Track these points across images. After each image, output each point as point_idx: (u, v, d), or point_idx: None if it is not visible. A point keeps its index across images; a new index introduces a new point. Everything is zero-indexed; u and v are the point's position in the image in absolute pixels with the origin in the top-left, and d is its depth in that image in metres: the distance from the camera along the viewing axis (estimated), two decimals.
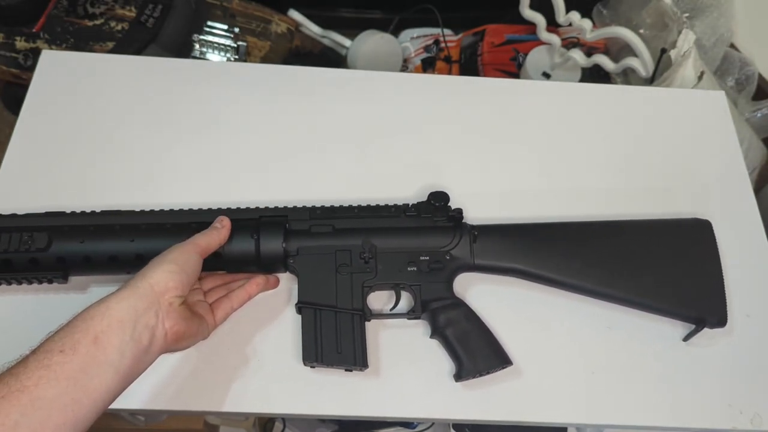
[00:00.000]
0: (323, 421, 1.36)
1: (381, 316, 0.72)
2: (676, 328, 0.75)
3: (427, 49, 1.72)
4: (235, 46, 1.51)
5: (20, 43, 1.36)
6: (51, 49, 1.33)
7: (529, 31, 1.57)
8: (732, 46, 1.40)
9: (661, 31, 1.37)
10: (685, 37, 1.28)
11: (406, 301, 0.74)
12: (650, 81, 1.34)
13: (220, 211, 0.71)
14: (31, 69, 0.99)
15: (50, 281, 0.69)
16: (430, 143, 0.88)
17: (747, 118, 1.34)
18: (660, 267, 0.73)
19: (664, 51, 1.31)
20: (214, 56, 1.49)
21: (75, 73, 0.90)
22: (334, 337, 0.68)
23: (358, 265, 0.71)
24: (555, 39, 1.48)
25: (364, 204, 0.75)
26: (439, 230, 0.73)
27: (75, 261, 0.67)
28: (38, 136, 0.84)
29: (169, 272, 0.59)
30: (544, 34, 1.47)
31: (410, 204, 0.75)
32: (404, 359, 0.72)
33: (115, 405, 0.67)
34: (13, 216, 0.70)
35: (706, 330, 0.72)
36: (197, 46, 1.48)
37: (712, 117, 0.95)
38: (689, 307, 0.72)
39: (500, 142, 0.90)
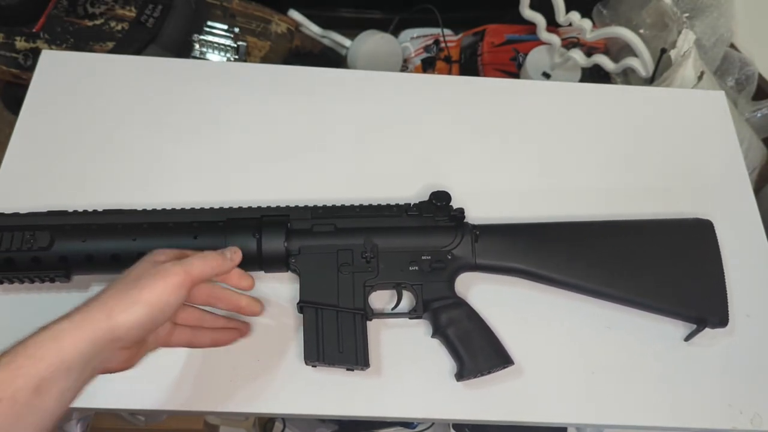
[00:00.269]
0: (323, 421, 1.36)
1: (382, 315, 0.72)
2: (676, 328, 0.75)
3: (427, 49, 1.72)
4: (235, 46, 1.51)
5: (20, 43, 1.36)
6: (51, 49, 1.33)
7: (529, 31, 1.57)
8: (732, 46, 1.40)
9: (661, 31, 1.37)
10: (685, 37, 1.29)
11: (407, 300, 0.74)
12: (650, 81, 1.34)
13: (221, 211, 0.71)
14: (31, 69, 0.99)
15: (52, 280, 0.69)
16: (431, 143, 0.89)
17: (747, 118, 1.34)
18: (661, 267, 0.73)
19: (664, 51, 1.31)
20: (214, 56, 1.49)
21: (75, 73, 0.90)
22: (335, 337, 0.68)
23: (359, 264, 0.71)
24: (555, 39, 1.48)
25: (365, 203, 0.75)
26: (441, 230, 0.73)
27: (77, 260, 0.67)
28: (38, 136, 0.84)
29: (138, 318, 0.52)
30: (544, 34, 1.47)
31: (412, 203, 0.75)
32: (405, 359, 0.72)
33: (115, 405, 0.68)
34: (16, 215, 0.70)
35: (706, 330, 0.72)
36: (197, 46, 1.48)
37: (712, 117, 0.95)
38: (690, 307, 0.72)
39: (501, 142, 0.90)
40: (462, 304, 0.71)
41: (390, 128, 0.89)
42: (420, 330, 0.73)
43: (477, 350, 0.69)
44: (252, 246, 0.69)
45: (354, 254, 0.71)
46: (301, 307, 0.69)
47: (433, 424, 1.31)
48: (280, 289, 0.74)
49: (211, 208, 0.72)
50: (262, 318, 0.73)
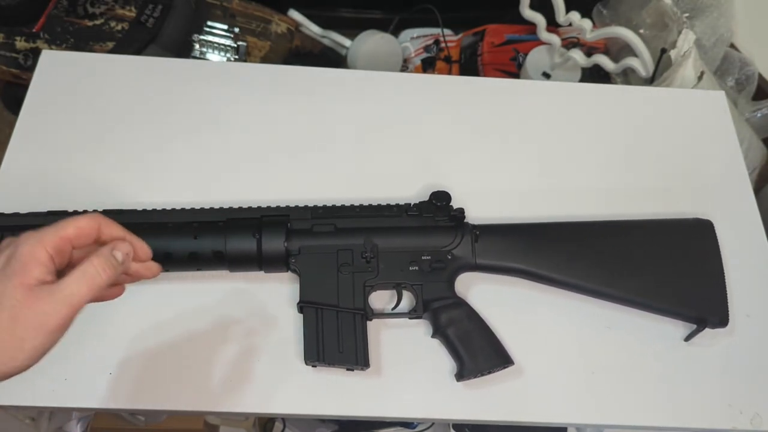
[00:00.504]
0: (323, 421, 1.36)
1: (382, 315, 0.72)
2: (676, 328, 0.75)
3: (427, 49, 1.72)
4: (235, 46, 1.51)
5: (20, 43, 1.36)
6: (51, 49, 1.33)
7: (529, 31, 1.57)
8: (732, 46, 1.40)
9: (661, 31, 1.37)
10: (685, 37, 1.29)
11: (407, 300, 0.74)
12: (650, 81, 1.34)
13: (221, 211, 0.71)
14: (31, 69, 0.99)
15: None
16: (431, 143, 0.89)
17: (747, 118, 1.34)
18: (661, 267, 0.73)
19: (664, 51, 1.31)
20: (214, 56, 1.49)
21: (75, 73, 0.90)
22: (335, 337, 0.68)
23: (359, 264, 0.71)
24: (555, 39, 1.48)
25: (365, 203, 0.75)
26: (441, 230, 0.73)
27: None
28: (38, 136, 0.84)
29: (25, 365, 0.46)
30: (544, 34, 1.47)
31: (412, 203, 0.75)
32: (405, 359, 0.72)
33: (116, 405, 0.68)
34: (16, 215, 0.70)
35: (706, 330, 0.72)
36: (197, 46, 1.48)
37: (712, 117, 0.95)
38: (690, 307, 0.72)
39: (501, 142, 0.90)
40: (462, 304, 0.71)
41: (390, 128, 0.89)
42: (420, 330, 0.73)
43: (477, 350, 0.69)
44: (252, 246, 0.69)
45: (354, 254, 0.71)
46: (301, 307, 0.69)
47: (433, 424, 1.31)
48: (280, 289, 0.74)
49: (211, 208, 0.72)
50: (263, 318, 0.73)
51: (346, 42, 1.68)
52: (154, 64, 0.96)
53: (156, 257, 0.68)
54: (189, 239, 0.68)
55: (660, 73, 1.32)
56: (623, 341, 0.74)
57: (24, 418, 0.98)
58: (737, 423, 0.71)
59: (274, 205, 0.74)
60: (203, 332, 0.72)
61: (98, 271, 0.49)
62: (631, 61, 1.36)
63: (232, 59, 1.49)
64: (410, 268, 0.71)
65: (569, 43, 1.56)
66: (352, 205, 0.74)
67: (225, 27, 1.52)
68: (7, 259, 0.48)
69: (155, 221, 0.70)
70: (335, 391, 0.69)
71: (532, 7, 1.42)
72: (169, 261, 0.68)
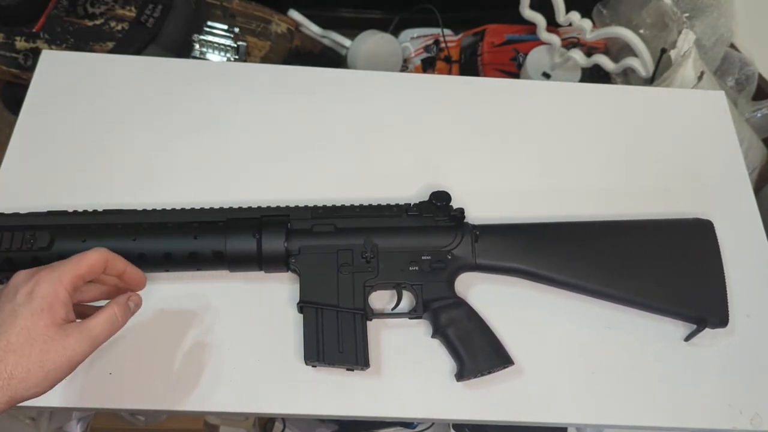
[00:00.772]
0: (323, 421, 1.36)
1: (382, 315, 0.72)
2: (676, 328, 0.75)
3: (427, 49, 1.72)
4: (235, 46, 1.51)
5: (20, 43, 1.36)
6: (51, 49, 1.33)
7: (529, 31, 1.57)
8: (732, 46, 1.40)
9: (661, 31, 1.37)
10: (685, 37, 1.28)
11: (407, 300, 0.74)
12: (650, 81, 1.34)
13: (221, 211, 0.71)
14: (31, 69, 0.99)
15: None
16: (431, 143, 0.89)
17: (747, 118, 1.34)
18: (661, 267, 0.73)
19: (664, 51, 1.31)
20: (214, 56, 1.49)
21: (75, 73, 0.90)
22: (335, 337, 0.68)
23: (359, 264, 0.71)
24: (555, 39, 1.48)
25: (365, 203, 0.75)
26: (441, 230, 0.73)
27: None
28: (38, 136, 0.84)
29: (39, 393, 0.52)
30: (544, 34, 1.47)
31: (412, 203, 0.75)
32: (405, 359, 0.72)
33: (116, 405, 0.68)
34: (16, 215, 0.70)
35: (706, 330, 0.72)
36: (197, 46, 1.48)
37: (712, 117, 0.95)
38: (690, 307, 0.72)
39: (501, 142, 0.90)
40: (462, 304, 0.71)
41: (390, 128, 0.89)
42: (420, 330, 0.73)
43: (477, 350, 0.69)
44: (252, 246, 0.69)
45: (354, 254, 0.71)
46: (301, 307, 0.69)
47: (433, 424, 1.31)
48: (280, 289, 0.74)
49: (211, 208, 0.72)
50: (263, 318, 0.73)
51: (346, 42, 1.68)
52: (154, 64, 0.96)
53: (156, 257, 0.68)
54: (189, 239, 0.68)
55: (660, 73, 1.32)
56: (623, 341, 0.74)
57: (24, 418, 0.98)
58: (737, 423, 0.71)
59: (274, 205, 0.74)
60: (203, 332, 0.72)
61: (118, 317, 0.58)
62: (631, 61, 1.36)
63: (232, 59, 1.49)
64: (410, 268, 0.71)
65: (569, 43, 1.56)
66: (352, 205, 0.74)
67: (225, 27, 1.52)
68: (29, 295, 0.54)
69: (155, 221, 0.70)
70: (335, 391, 0.69)
71: (532, 7, 1.42)
72: (169, 261, 0.69)
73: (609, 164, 0.89)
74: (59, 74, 0.89)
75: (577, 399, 0.71)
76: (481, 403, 0.70)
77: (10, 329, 0.52)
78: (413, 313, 0.71)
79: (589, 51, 1.52)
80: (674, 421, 0.71)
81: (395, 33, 1.76)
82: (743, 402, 0.72)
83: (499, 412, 0.70)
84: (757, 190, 1.29)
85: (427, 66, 1.70)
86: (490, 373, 0.69)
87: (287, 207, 0.73)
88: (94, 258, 0.58)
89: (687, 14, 1.34)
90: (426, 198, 0.75)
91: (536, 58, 1.56)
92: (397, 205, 0.75)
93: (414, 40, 1.75)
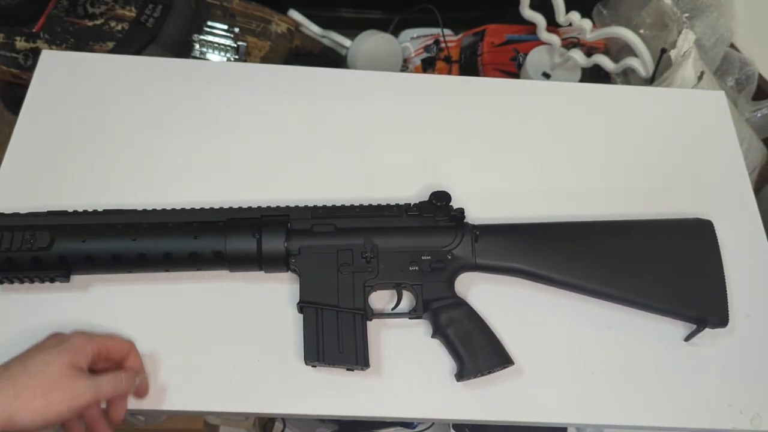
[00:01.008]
0: (323, 421, 1.36)
1: (382, 315, 0.72)
2: (676, 328, 0.75)
3: (427, 49, 1.72)
4: (235, 46, 1.51)
5: (20, 43, 1.36)
6: (51, 49, 1.33)
7: (529, 31, 1.57)
8: (732, 46, 1.40)
9: (661, 31, 1.37)
10: (685, 37, 1.29)
11: (407, 300, 0.74)
12: (650, 81, 1.34)
13: (221, 211, 0.72)
14: (31, 69, 0.99)
15: (52, 280, 0.69)
16: (431, 143, 0.89)
17: (747, 118, 1.34)
18: (661, 267, 0.73)
19: (664, 51, 1.31)
20: (214, 56, 1.49)
21: (75, 73, 0.90)
22: (335, 337, 0.68)
23: (359, 264, 0.71)
24: (555, 39, 1.48)
25: (365, 203, 0.75)
26: (441, 230, 0.73)
27: (77, 260, 0.68)
28: (38, 136, 0.84)
29: (38, 425, 0.55)
30: (544, 34, 1.47)
31: (412, 203, 0.75)
32: (405, 359, 0.72)
33: None
34: (16, 215, 0.70)
35: (706, 330, 0.72)
36: (197, 46, 1.48)
37: (712, 117, 0.95)
38: (690, 307, 0.72)
39: (501, 142, 0.90)
40: (462, 304, 0.71)
41: (390, 128, 0.89)
42: (420, 330, 0.73)
43: (477, 350, 0.69)
44: (252, 246, 0.69)
45: (354, 254, 0.71)
46: (301, 307, 0.69)
47: (433, 424, 1.31)
48: (280, 289, 0.74)
49: (211, 208, 0.72)
50: (263, 318, 0.73)
51: (346, 42, 1.68)
52: (154, 64, 0.96)
53: (156, 257, 0.68)
54: (189, 239, 0.68)
55: (660, 73, 1.32)
56: (623, 341, 0.74)
57: None
58: (737, 423, 0.71)
59: (274, 205, 0.74)
60: (203, 332, 0.72)
61: (124, 381, 0.62)
62: (631, 61, 1.36)
63: (232, 59, 1.49)
64: (410, 268, 0.71)
65: (569, 43, 1.56)
66: (352, 205, 0.74)
67: (225, 27, 1.52)
68: (60, 342, 0.60)
69: (155, 221, 0.70)
70: (335, 391, 0.69)
71: (532, 7, 1.42)
72: (169, 261, 0.69)
73: (609, 164, 0.88)
74: (59, 74, 0.89)
75: (577, 399, 0.71)
76: (481, 403, 0.70)
77: (32, 358, 0.58)
78: (413, 313, 0.71)
79: (589, 51, 1.52)
80: (674, 421, 0.71)
81: (395, 33, 1.76)
82: (743, 402, 0.72)
83: (499, 412, 0.70)
84: (757, 190, 1.29)
85: (427, 66, 1.70)
86: (490, 373, 0.69)
87: (287, 207, 0.73)
88: (125, 345, 0.66)
89: (687, 14, 1.34)
90: (426, 198, 0.75)
91: (536, 58, 1.56)
92: (397, 205, 0.75)
93: (414, 40, 1.75)
